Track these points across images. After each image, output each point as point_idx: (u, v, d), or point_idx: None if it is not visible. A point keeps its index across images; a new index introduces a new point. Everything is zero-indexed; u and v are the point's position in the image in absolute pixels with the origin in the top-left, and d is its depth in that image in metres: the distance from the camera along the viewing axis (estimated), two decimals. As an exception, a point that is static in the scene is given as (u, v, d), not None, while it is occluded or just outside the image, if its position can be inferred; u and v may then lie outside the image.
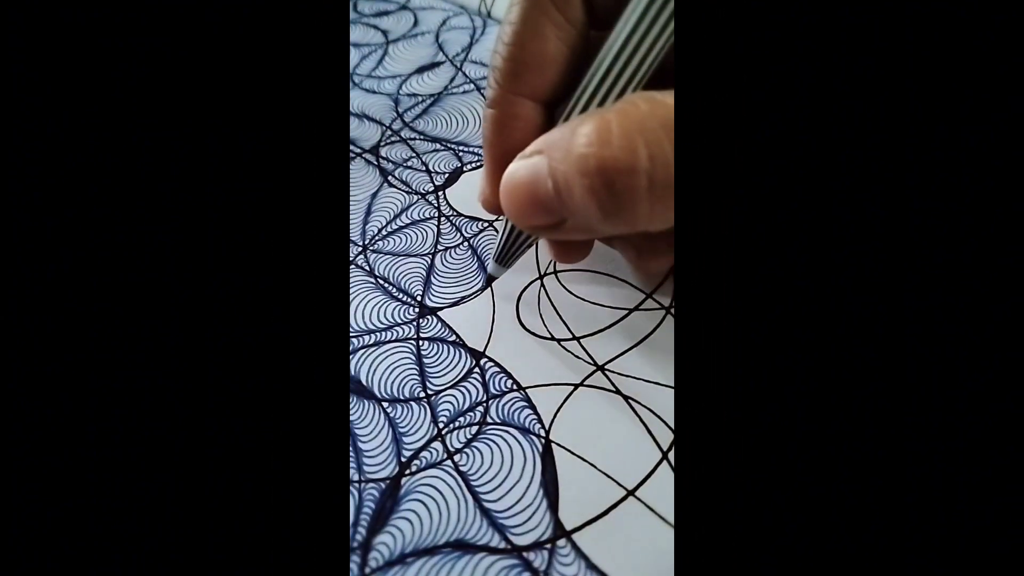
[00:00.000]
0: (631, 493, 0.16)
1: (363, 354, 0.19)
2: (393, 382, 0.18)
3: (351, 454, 0.17)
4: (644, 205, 0.12)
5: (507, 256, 0.18)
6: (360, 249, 0.22)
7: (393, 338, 0.19)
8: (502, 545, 0.15)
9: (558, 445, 0.17)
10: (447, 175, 0.24)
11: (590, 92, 0.15)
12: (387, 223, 0.23)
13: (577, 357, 0.18)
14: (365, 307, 0.20)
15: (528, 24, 0.15)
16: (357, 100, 0.28)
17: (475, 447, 0.17)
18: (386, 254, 0.22)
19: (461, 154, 0.25)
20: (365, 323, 0.20)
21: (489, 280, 0.20)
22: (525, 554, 0.15)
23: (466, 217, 0.23)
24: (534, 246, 0.21)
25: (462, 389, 0.18)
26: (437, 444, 0.17)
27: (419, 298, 0.20)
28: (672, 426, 0.17)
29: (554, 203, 0.14)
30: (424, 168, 0.25)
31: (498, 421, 0.17)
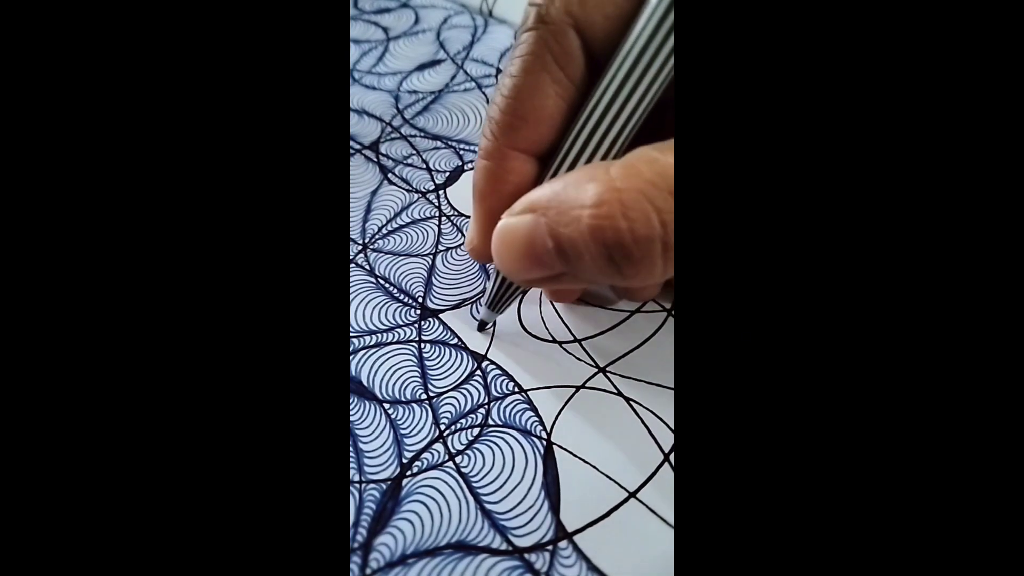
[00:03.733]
0: (632, 495, 0.16)
1: (364, 355, 0.19)
2: (394, 384, 0.18)
3: (352, 455, 0.17)
4: (659, 266, 0.13)
5: (498, 303, 0.18)
6: (360, 248, 0.22)
7: (394, 340, 0.19)
8: (503, 547, 0.15)
9: (559, 447, 0.17)
10: (448, 173, 0.24)
11: (580, 145, 0.15)
12: (387, 221, 0.23)
13: (578, 359, 0.18)
14: (366, 307, 0.20)
15: (529, 79, 0.15)
16: (357, 96, 0.28)
17: (477, 449, 0.17)
18: (387, 253, 0.22)
19: (462, 152, 0.25)
20: (366, 324, 0.20)
21: (481, 326, 0.19)
22: (526, 556, 0.15)
23: (467, 217, 0.23)
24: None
25: (464, 391, 0.18)
26: (439, 445, 0.17)
27: (420, 300, 0.20)
28: (674, 428, 0.17)
29: (554, 261, 0.14)
30: (425, 166, 0.25)
31: (500, 423, 0.17)
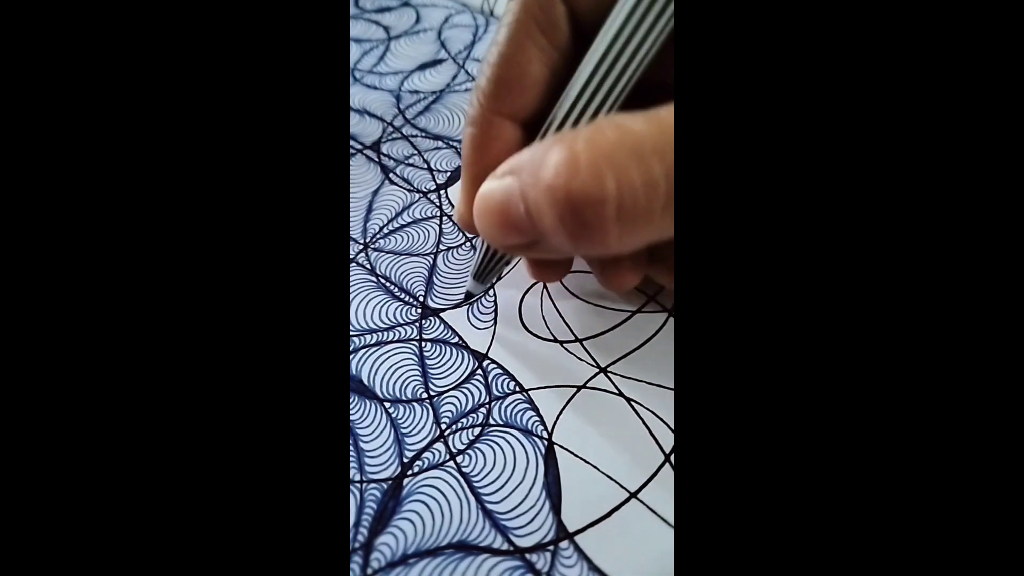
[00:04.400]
0: (634, 495, 0.16)
1: (364, 354, 0.19)
2: (395, 383, 0.18)
3: (353, 454, 0.17)
4: (613, 232, 0.12)
5: (484, 273, 0.18)
6: (361, 247, 0.22)
7: (395, 339, 0.19)
8: (504, 547, 0.15)
9: (561, 447, 0.17)
10: (449, 173, 0.24)
11: (564, 112, 0.15)
12: (388, 221, 0.23)
13: (580, 359, 0.18)
14: (367, 307, 0.20)
15: (513, 46, 0.15)
16: (358, 96, 0.28)
17: (478, 448, 0.17)
18: (387, 253, 0.22)
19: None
20: (367, 323, 0.20)
21: (468, 297, 0.20)
22: (527, 556, 0.15)
23: (468, 216, 0.23)
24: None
25: (465, 391, 0.18)
26: (439, 445, 0.17)
27: (421, 299, 0.20)
28: (674, 428, 0.17)
29: (526, 225, 0.14)
30: (426, 166, 0.25)
31: (501, 423, 0.17)
